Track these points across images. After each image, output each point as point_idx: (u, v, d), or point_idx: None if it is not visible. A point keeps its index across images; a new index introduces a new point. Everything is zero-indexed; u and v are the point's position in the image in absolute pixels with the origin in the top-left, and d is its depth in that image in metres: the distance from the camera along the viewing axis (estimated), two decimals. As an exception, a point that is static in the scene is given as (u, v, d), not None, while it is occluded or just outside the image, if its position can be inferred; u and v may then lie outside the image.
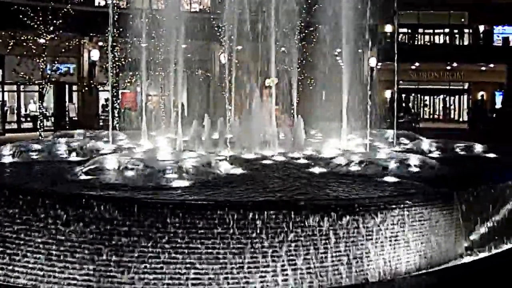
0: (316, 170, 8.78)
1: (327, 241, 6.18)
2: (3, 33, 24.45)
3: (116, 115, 28.32)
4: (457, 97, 45.78)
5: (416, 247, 6.68)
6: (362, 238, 6.33)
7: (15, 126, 31.68)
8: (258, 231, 6.00)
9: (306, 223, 6.11)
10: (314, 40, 28.30)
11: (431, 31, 44.06)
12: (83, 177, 7.65)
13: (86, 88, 28.83)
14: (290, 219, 6.06)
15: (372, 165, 8.53)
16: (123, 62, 27.07)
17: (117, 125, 27.43)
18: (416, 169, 8.35)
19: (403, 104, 35.88)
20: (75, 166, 8.66)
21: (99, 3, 31.91)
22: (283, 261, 6.05)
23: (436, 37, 44.33)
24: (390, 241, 6.50)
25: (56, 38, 25.38)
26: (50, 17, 24.79)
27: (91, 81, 28.77)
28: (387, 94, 40.41)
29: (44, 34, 24.93)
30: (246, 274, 5.99)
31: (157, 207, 6.06)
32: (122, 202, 6.19)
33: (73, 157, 10.07)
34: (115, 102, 28.60)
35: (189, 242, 5.96)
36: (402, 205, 6.58)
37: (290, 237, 6.06)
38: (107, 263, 5.99)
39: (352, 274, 6.27)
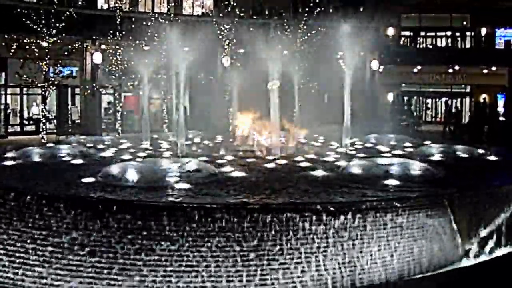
0: (318, 173, 8.80)
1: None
2: (6, 36, 24.54)
3: (119, 118, 28.40)
4: (459, 100, 45.78)
5: (404, 251, 6.66)
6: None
7: (17, 129, 31.77)
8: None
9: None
10: (317, 43, 28.40)
11: (433, 34, 44.09)
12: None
13: (89, 91, 28.90)
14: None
15: (372, 168, 8.56)
16: (126, 65, 27.12)
17: (119, 129, 27.57)
18: (416, 173, 8.36)
19: (405, 107, 35.88)
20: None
21: (101, 6, 31.98)
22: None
23: (438, 40, 44.36)
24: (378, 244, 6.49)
25: (58, 41, 25.46)
26: (52, 20, 24.88)
27: (94, 84, 28.83)
28: (390, 97, 40.45)
29: (47, 37, 25.02)
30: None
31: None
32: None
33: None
34: (117, 105, 28.68)
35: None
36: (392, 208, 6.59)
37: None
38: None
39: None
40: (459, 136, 25.49)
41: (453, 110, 34.77)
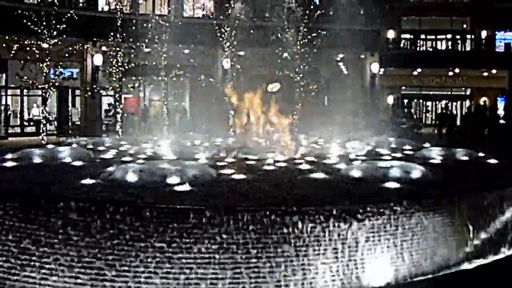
0: (319, 175, 8.79)
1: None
2: (6, 37, 24.59)
3: (119, 119, 28.43)
4: (459, 102, 45.80)
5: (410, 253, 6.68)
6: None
7: (18, 130, 31.83)
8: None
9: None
10: (317, 45, 28.42)
11: (433, 36, 44.14)
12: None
13: (89, 93, 28.93)
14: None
15: (372, 171, 8.56)
16: (126, 67, 27.16)
17: (119, 130, 27.61)
18: (416, 176, 8.36)
19: (405, 110, 35.95)
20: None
21: (102, 8, 32.04)
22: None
23: (438, 43, 44.41)
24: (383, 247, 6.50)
25: (59, 42, 25.53)
26: (53, 21, 24.95)
27: (94, 86, 28.87)
28: (390, 100, 40.49)
29: (48, 39, 25.09)
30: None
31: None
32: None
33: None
34: (117, 107, 28.71)
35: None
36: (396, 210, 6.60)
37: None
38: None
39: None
40: (452, 139, 25.82)
41: (446, 113, 34.85)
